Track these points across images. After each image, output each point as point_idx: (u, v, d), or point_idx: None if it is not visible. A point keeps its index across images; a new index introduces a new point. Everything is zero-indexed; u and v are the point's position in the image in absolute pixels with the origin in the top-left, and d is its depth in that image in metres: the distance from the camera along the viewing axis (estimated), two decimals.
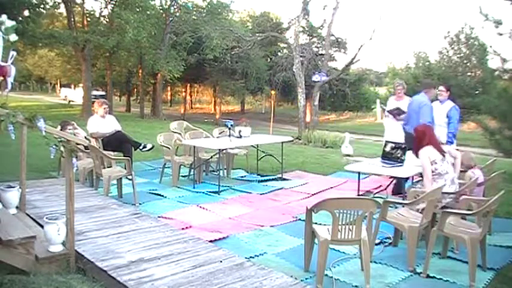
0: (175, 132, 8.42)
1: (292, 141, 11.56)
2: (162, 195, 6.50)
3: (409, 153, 5.82)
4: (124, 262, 3.61)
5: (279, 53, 30.01)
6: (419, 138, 4.85)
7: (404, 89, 7.61)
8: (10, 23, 3.31)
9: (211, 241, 4.44)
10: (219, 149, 7.11)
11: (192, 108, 37.44)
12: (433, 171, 4.64)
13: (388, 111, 7.64)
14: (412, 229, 4.10)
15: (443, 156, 4.74)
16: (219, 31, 20.15)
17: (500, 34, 8.12)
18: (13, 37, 3.35)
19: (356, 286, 3.71)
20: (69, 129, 6.73)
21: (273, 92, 18.91)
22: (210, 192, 6.76)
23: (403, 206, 4.58)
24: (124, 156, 6.82)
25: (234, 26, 22.41)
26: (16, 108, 4.46)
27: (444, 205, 4.52)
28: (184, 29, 22.34)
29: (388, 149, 5.97)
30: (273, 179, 7.83)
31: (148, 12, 19.68)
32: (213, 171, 8.20)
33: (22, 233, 3.60)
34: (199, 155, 7.57)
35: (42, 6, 18.63)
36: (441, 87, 7.01)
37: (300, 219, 5.38)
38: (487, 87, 7.20)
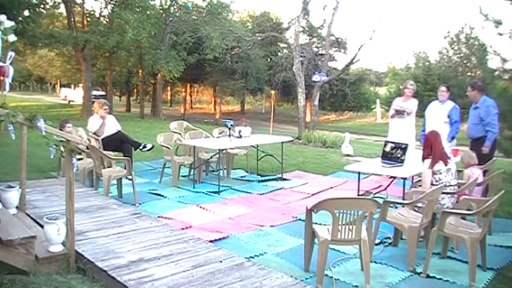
0: (175, 132, 8.42)
1: (292, 141, 11.57)
2: (162, 195, 6.51)
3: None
4: (124, 262, 3.61)
5: (279, 53, 29.95)
6: (426, 146, 4.81)
7: (414, 92, 7.61)
8: (9, 24, 3.31)
9: (211, 241, 4.44)
10: (219, 149, 7.11)
11: (192, 108, 37.41)
12: (437, 181, 4.61)
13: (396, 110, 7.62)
14: (412, 229, 4.10)
15: (448, 164, 4.69)
16: (219, 31, 20.14)
17: (500, 34, 8.11)
18: (12, 37, 3.36)
19: (356, 286, 3.71)
20: (68, 127, 6.73)
21: (272, 92, 18.88)
22: (210, 192, 6.76)
23: (403, 206, 4.58)
24: (124, 156, 6.81)
25: (234, 26, 22.39)
26: (16, 108, 4.46)
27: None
28: (184, 29, 22.32)
29: (388, 149, 5.97)
30: (273, 179, 7.83)
31: (148, 12, 19.65)
32: (213, 171, 8.20)
33: (22, 233, 3.60)
34: (199, 155, 7.57)
35: (42, 6, 18.59)
36: (442, 88, 7.02)
37: (300, 219, 5.38)
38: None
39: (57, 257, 3.66)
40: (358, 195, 6.08)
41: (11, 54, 3.44)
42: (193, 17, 22.74)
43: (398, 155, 5.78)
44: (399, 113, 7.51)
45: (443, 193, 4.54)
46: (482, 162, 5.78)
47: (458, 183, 4.86)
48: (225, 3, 22.41)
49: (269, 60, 29.82)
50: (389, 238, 4.78)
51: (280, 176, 8.00)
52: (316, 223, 4.02)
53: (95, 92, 23.96)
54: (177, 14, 22.75)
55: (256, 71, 27.03)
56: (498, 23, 8.05)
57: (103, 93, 27.11)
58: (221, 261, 3.70)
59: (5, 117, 3.27)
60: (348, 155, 10.73)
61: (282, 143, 8.27)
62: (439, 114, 6.87)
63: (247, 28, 27.13)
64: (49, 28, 20.42)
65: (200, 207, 5.96)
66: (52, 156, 3.59)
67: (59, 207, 4.60)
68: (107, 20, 21.07)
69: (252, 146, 8.20)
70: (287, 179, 7.89)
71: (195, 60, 23.25)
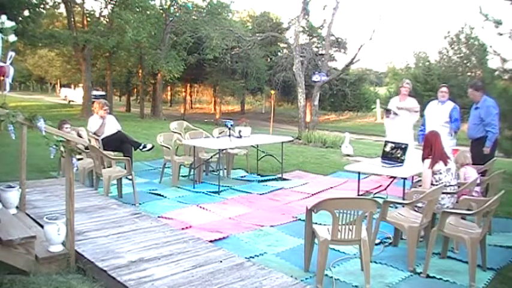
0: (175, 132, 8.42)
1: (292, 141, 11.57)
2: (162, 195, 6.50)
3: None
4: (124, 262, 3.61)
5: (279, 53, 29.97)
6: (425, 146, 4.83)
7: (410, 90, 7.63)
8: (9, 24, 3.32)
9: (211, 241, 4.44)
10: (219, 149, 7.11)
11: (192, 108, 37.42)
12: (437, 181, 4.61)
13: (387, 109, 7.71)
14: (412, 229, 4.10)
15: (448, 164, 4.70)
16: (219, 31, 20.15)
17: (500, 34, 8.11)
18: (12, 38, 3.36)
19: (356, 286, 3.71)
20: (66, 127, 6.72)
21: (272, 92, 18.88)
22: (210, 192, 6.76)
23: (403, 206, 4.58)
24: (124, 156, 6.81)
25: (234, 26, 22.38)
26: (16, 108, 4.46)
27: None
28: (184, 29, 22.32)
29: (388, 149, 5.97)
30: (273, 179, 7.83)
31: (148, 12, 19.66)
32: (213, 171, 8.20)
33: (22, 233, 3.60)
34: (199, 155, 7.57)
35: (42, 6, 18.60)
36: (444, 88, 7.03)
37: (300, 219, 5.38)
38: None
39: (57, 257, 3.65)
40: (358, 195, 6.08)
41: (11, 54, 3.44)
42: (193, 17, 22.73)
43: (398, 155, 5.78)
44: (389, 111, 7.58)
45: (443, 193, 4.54)
46: (483, 162, 5.79)
47: (458, 183, 4.86)
48: (225, 3, 22.42)
49: (269, 60, 29.83)
50: (389, 238, 4.78)
51: (280, 176, 8.00)
52: (316, 223, 4.02)
53: (95, 92, 23.98)
54: (177, 14, 22.75)
55: (256, 71, 27.04)
56: (498, 23, 8.05)
57: (103, 93, 27.13)
58: (221, 261, 3.70)
59: (5, 117, 3.27)
60: (348, 155, 10.73)
61: (282, 143, 8.27)
62: (440, 114, 6.87)
63: (247, 28, 27.15)
64: (49, 28, 20.41)
65: (200, 207, 5.96)
66: (52, 156, 3.59)
67: (59, 207, 4.60)
68: (107, 20, 21.08)
69: (252, 146, 8.20)
70: (287, 179, 7.89)
71: (195, 60, 23.25)
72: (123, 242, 4.08)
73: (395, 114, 7.54)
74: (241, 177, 7.99)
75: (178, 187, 7.05)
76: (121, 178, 6.32)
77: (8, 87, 3.46)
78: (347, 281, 3.79)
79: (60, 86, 42.89)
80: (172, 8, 22.54)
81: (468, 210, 4.36)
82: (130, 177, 6.20)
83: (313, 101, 16.75)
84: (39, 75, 44.73)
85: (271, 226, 5.24)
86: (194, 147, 7.26)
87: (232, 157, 8.27)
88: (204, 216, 5.59)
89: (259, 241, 4.75)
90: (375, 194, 6.59)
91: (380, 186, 7.07)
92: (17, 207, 4.51)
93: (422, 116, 7.36)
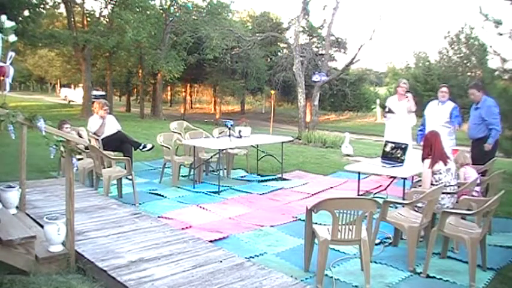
0: (175, 132, 8.42)
1: (292, 141, 11.57)
2: (162, 195, 6.51)
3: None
4: (124, 262, 3.61)
5: (279, 53, 29.97)
6: (425, 146, 4.83)
7: (407, 90, 7.64)
8: (9, 24, 3.32)
9: (211, 241, 4.44)
10: (219, 149, 7.11)
11: (192, 108, 37.42)
12: (437, 181, 4.61)
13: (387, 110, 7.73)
14: (412, 229, 4.10)
15: (447, 164, 4.70)
16: (219, 31, 20.15)
17: (500, 34, 8.12)
18: (12, 38, 3.36)
19: (356, 286, 3.71)
20: (66, 127, 6.72)
21: (272, 92, 18.88)
22: (210, 192, 6.76)
23: (403, 206, 4.58)
24: (124, 156, 6.81)
25: (234, 26, 22.38)
26: (16, 108, 4.46)
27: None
28: (184, 29, 22.32)
29: (388, 149, 5.97)
30: (273, 179, 7.83)
31: (148, 12, 19.67)
32: (213, 171, 8.20)
33: (22, 233, 3.60)
34: (199, 155, 7.57)
35: (42, 6, 18.61)
36: (444, 88, 7.03)
37: (300, 219, 5.38)
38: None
39: (57, 257, 3.65)
40: (358, 195, 6.08)
41: (11, 54, 3.44)
42: (193, 17, 22.73)
43: (398, 155, 5.78)
44: (388, 111, 7.63)
45: (443, 193, 4.54)
46: (483, 162, 5.79)
47: (458, 183, 4.86)
48: (225, 3, 22.42)
49: (269, 60, 29.84)
50: (389, 238, 4.78)
51: (280, 176, 8.00)
52: (316, 223, 4.02)
53: (95, 92, 23.97)
54: (177, 14, 22.74)
55: (256, 71, 27.04)
56: (498, 23, 8.05)
57: (103, 93, 27.13)
58: (221, 261, 3.70)
59: (5, 117, 3.27)
60: (348, 155, 10.73)
61: (282, 143, 8.27)
62: (440, 115, 6.87)
63: (247, 28, 27.16)
64: (49, 28, 20.41)
65: (200, 207, 5.96)
66: (52, 156, 3.59)
67: (59, 207, 4.60)
68: (107, 20, 21.08)
69: (252, 146, 8.20)
70: (287, 179, 7.89)
71: (195, 60, 23.25)
72: (123, 242, 4.08)
73: (391, 112, 7.56)
74: (241, 177, 7.99)
75: (178, 187, 7.05)
76: (121, 178, 6.32)
77: (8, 87, 3.46)
78: (347, 281, 3.79)
79: (60, 86, 42.88)
80: (172, 8, 22.53)
81: (468, 210, 4.36)
82: (130, 177, 6.20)
83: (313, 101, 16.75)
84: (39, 75, 44.72)
85: (271, 226, 5.24)
86: (194, 147, 7.26)
87: (232, 157, 8.27)
88: (204, 216, 5.59)
89: (259, 241, 4.75)
90: (375, 194, 6.59)
91: (380, 186, 7.07)
92: (17, 207, 4.51)
93: (422, 116, 7.36)
